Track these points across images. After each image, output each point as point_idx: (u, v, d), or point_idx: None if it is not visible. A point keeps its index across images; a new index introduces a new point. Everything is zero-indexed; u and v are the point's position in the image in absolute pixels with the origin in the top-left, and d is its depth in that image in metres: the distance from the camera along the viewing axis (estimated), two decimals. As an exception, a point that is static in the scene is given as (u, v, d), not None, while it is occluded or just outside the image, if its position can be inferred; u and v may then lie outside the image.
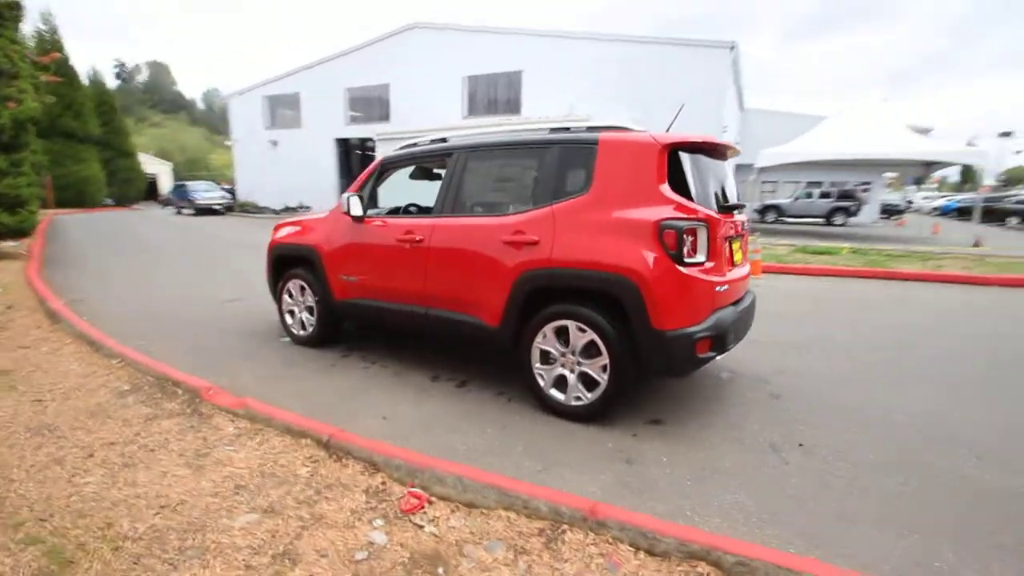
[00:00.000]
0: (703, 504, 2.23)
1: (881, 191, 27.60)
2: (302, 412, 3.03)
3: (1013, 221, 24.07)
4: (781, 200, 24.82)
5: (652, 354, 2.79)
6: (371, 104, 22.42)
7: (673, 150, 2.87)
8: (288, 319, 4.65)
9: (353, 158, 26.96)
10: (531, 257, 3.06)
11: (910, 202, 37.08)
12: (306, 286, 4.39)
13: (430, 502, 2.17)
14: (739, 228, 3.29)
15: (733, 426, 3.04)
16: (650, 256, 2.74)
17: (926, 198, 39.84)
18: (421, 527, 2.02)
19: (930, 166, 19.79)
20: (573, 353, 3.03)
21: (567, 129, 3.22)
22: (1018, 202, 25.67)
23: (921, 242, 14.78)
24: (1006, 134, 25.99)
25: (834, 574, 1.68)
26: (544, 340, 3.12)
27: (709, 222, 2.84)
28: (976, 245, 13.31)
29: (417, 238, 3.58)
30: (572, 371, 3.06)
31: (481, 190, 3.54)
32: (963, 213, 30.86)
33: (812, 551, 1.92)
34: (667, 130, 3.28)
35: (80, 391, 3.29)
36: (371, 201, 4.13)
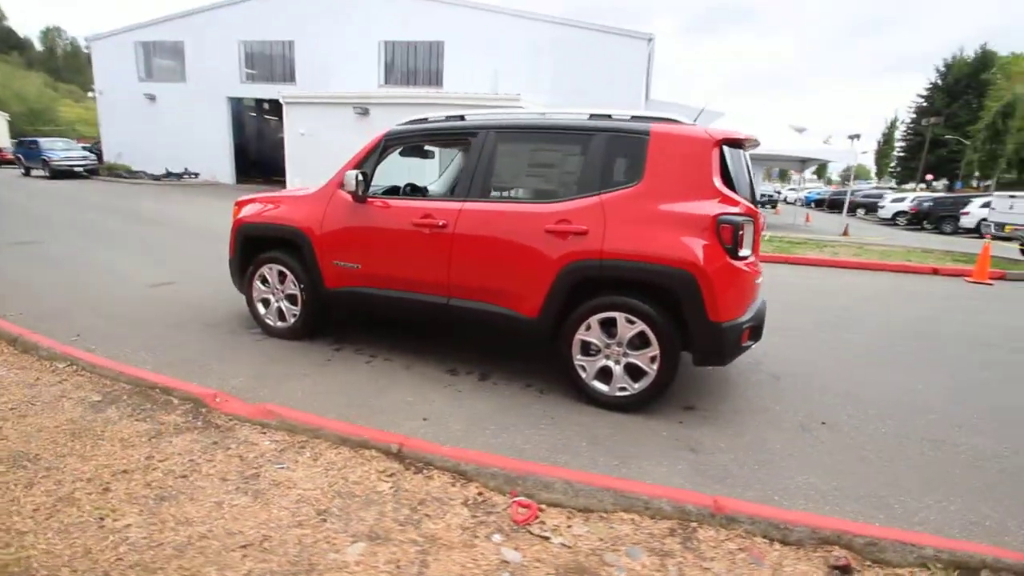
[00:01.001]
0: (781, 488, 2.37)
1: (760, 183, 30.88)
2: (326, 416, 2.74)
3: (860, 212, 28.25)
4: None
5: (705, 344, 2.88)
6: (272, 62, 20.31)
7: (722, 144, 2.93)
8: (260, 308, 4.12)
9: (247, 120, 24.40)
10: (579, 248, 2.98)
11: (779, 192, 41.98)
12: (287, 272, 3.91)
13: (541, 510, 2.06)
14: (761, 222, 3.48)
15: (759, 408, 3.25)
16: (708, 250, 2.80)
17: (791, 190, 45.21)
18: (546, 538, 1.92)
19: (805, 162, 22.47)
20: (619, 344, 3.03)
21: (608, 116, 3.15)
22: (863, 196, 30.19)
23: (802, 229, 16.79)
24: (854, 136, 30.27)
25: (947, 544, 1.88)
26: (587, 332, 3.08)
27: (753, 216, 2.96)
28: (844, 233, 15.49)
29: (440, 223, 3.32)
30: (617, 362, 3.06)
31: (515, 175, 3.36)
32: (819, 204, 35.72)
33: (894, 522, 2.13)
34: (694, 122, 3.33)
35: (35, 405, 2.65)
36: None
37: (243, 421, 2.59)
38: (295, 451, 2.37)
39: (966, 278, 8.32)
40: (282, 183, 20.53)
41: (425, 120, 3.64)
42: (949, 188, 42.68)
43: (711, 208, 2.83)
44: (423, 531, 1.91)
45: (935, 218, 21.88)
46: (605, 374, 3.10)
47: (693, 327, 2.85)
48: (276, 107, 20.69)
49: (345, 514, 1.97)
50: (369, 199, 3.58)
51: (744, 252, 2.88)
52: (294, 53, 19.84)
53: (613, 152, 3.04)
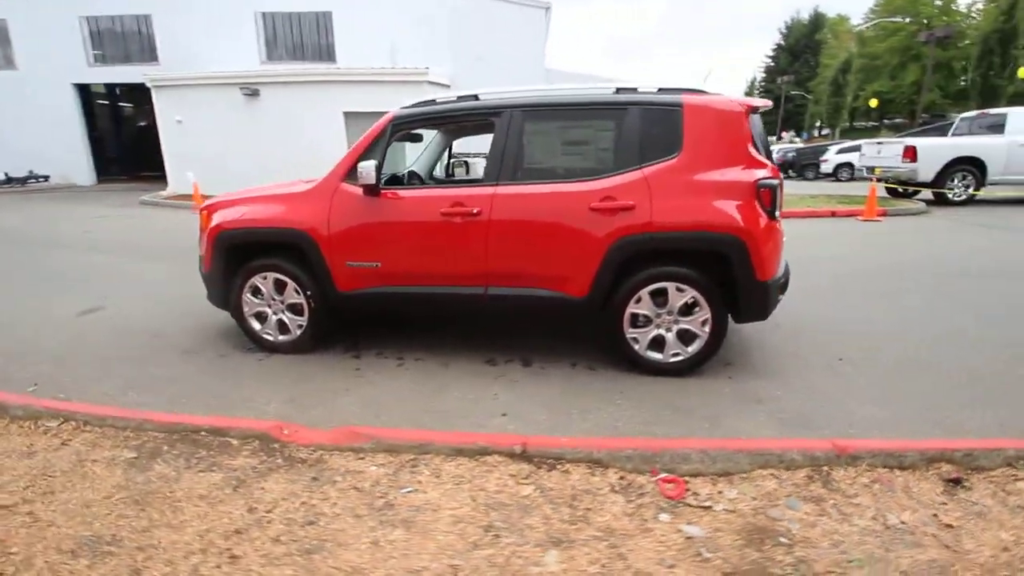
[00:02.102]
0: (854, 423, 2.64)
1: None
2: (398, 426, 2.57)
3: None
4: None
5: (752, 303, 3.07)
6: (126, 40, 17.53)
7: (750, 112, 3.08)
8: (255, 324, 3.67)
9: (100, 110, 21.08)
10: (628, 223, 3.01)
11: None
12: (287, 280, 3.51)
13: (686, 482, 2.12)
14: None
15: (782, 353, 3.56)
16: (752, 214, 2.96)
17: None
18: (708, 507, 1.99)
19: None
20: (670, 313, 3.14)
21: (634, 89, 3.16)
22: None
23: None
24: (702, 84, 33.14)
25: (1015, 444, 2.23)
26: (637, 304, 3.14)
27: (779, 178, 3.17)
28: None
29: (473, 211, 3.15)
30: (668, 330, 3.17)
31: (548, 154, 3.26)
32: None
33: (958, 434, 2.47)
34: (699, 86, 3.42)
35: (55, 478, 2.16)
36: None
37: (329, 450, 2.33)
38: (409, 471, 2.19)
39: (858, 217, 9.62)
40: (157, 179, 18.13)
41: (433, 102, 3.39)
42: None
43: (750, 174, 2.99)
44: (596, 526, 1.89)
45: (799, 167, 24.82)
46: (657, 343, 3.20)
47: (742, 287, 3.03)
48: (137, 93, 17.99)
49: (512, 525, 1.88)
50: (383, 191, 3.29)
51: (778, 213, 3.09)
52: (152, 28, 17.23)
53: (649, 126, 3.06)
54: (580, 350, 3.64)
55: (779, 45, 59.80)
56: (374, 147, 3.37)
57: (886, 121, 44.21)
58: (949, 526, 1.89)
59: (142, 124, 24.03)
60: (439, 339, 3.89)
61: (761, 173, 3.00)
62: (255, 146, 14.40)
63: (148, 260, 7.07)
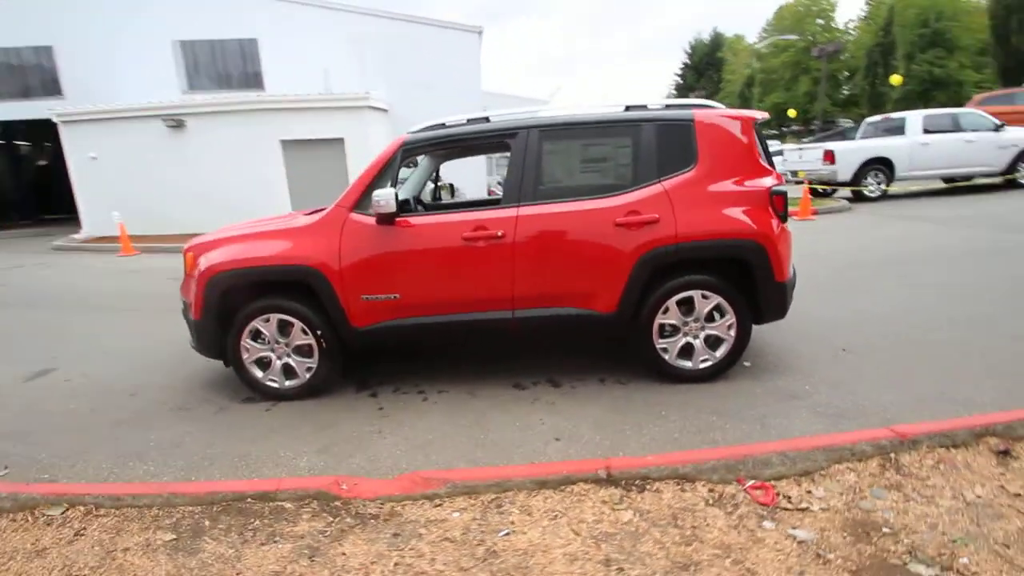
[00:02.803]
0: (884, 408, 2.80)
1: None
2: (453, 465, 2.45)
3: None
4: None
5: (772, 303, 3.20)
6: (25, 73, 15.95)
7: (755, 123, 3.24)
8: (256, 372, 3.37)
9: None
10: (653, 236, 3.06)
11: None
12: (294, 320, 3.25)
13: (774, 486, 2.14)
14: None
15: (787, 349, 3.72)
16: (768, 220, 3.10)
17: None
18: (805, 509, 2.01)
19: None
20: (696, 320, 3.20)
21: (644, 107, 3.24)
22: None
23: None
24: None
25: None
26: (665, 315, 3.19)
27: (783, 183, 3.35)
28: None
29: (497, 233, 3.08)
30: (695, 337, 3.23)
31: (568, 173, 3.25)
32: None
33: (978, 409, 2.67)
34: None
35: (88, 566, 1.83)
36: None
37: (398, 500, 2.15)
38: (496, 512, 2.06)
39: (794, 217, 10.38)
40: (66, 222, 16.53)
41: (443, 125, 3.30)
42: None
43: (762, 181, 3.14)
44: (711, 543, 1.85)
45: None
46: (685, 351, 3.25)
47: (762, 289, 3.15)
48: (37, 129, 16.36)
49: (630, 555, 1.80)
50: (397, 220, 3.15)
51: (786, 216, 3.26)
52: (55, 60, 15.79)
53: (664, 141, 3.15)
54: (603, 365, 3.63)
55: (685, 64, 64.29)
56: (384, 174, 3.23)
57: (784, 129, 48.46)
58: (1017, 495, 2.02)
59: (42, 163, 21.89)
60: (454, 368, 3.75)
61: (770, 180, 3.15)
62: (186, 180, 13.48)
63: (89, 311, 6.35)
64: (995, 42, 19.69)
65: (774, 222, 3.12)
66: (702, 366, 3.25)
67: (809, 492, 2.10)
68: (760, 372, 3.39)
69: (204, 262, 3.29)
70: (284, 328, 3.31)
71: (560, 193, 3.18)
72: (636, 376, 3.42)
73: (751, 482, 2.15)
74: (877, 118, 13.19)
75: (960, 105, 17.10)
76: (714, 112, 3.20)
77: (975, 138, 11.60)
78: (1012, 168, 11.74)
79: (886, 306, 4.53)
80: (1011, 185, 11.78)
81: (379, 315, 3.24)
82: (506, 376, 3.56)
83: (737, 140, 3.15)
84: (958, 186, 12.66)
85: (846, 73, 43.69)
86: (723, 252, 3.11)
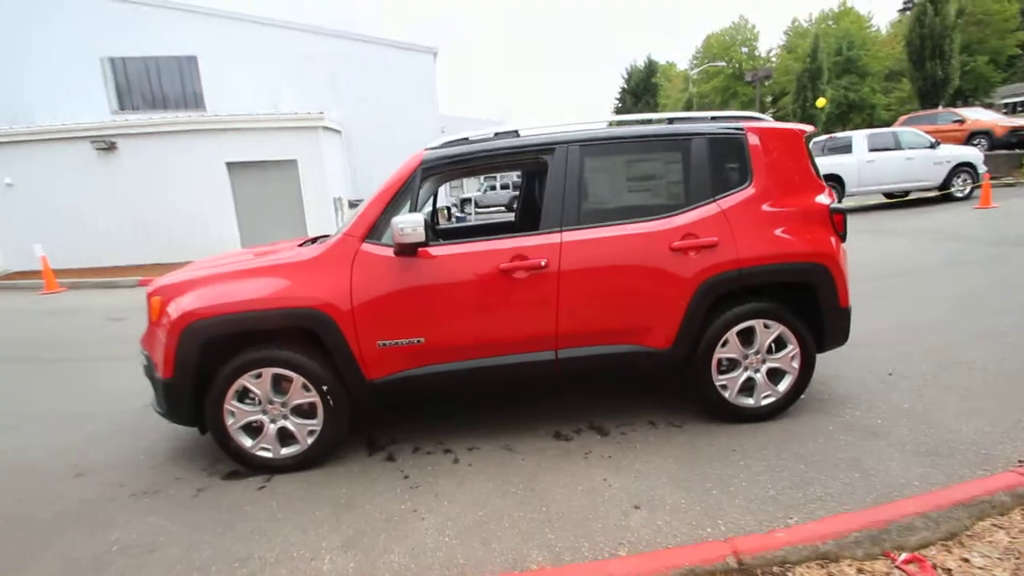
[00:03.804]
0: (974, 440, 2.57)
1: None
2: (524, 551, 1.97)
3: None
4: (473, 193, 27.84)
5: (837, 330, 2.94)
6: (-80, 92, 14.11)
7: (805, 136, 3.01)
8: (244, 440, 2.75)
9: None
10: (714, 261, 2.73)
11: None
12: (294, 375, 2.68)
13: (926, 559, 1.80)
14: None
15: (829, 375, 3.48)
16: (830, 240, 2.86)
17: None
18: (976, 584, 1.68)
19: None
20: (758, 352, 2.90)
21: (688, 119, 2.95)
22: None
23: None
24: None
25: None
26: (724, 348, 2.86)
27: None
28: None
29: (540, 263, 2.67)
30: (756, 371, 2.92)
31: (613, 192, 2.88)
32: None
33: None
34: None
35: None
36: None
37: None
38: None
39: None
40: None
41: (467, 140, 2.87)
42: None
43: (822, 199, 2.90)
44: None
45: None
46: (746, 387, 2.93)
47: (827, 315, 2.88)
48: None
49: None
50: (422, 250, 2.67)
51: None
52: (-43, 77, 14.11)
53: (716, 156, 2.86)
54: (645, 404, 3.25)
55: (623, 88, 67.00)
56: (400, 197, 2.75)
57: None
58: None
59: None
60: (475, 416, 3.25)
61: (826, 197, 2.92)
62: (119, 207, 12.27)
63: (8, 364, 5.35)
64: (911, 67, 21.46)
65: (836, 242, 2.88)
66: (764, 403, 2.94)
67: (966, 560, 1.78)
68: (817, 404, 3.11)
69: (176, 309, 2.66)
70: (280, 385, 2.73)
71: (606, 215, 2.81)
72: (687, 416, 3.07)
73: (902, 556, 1.81)
74: (822, 138, 13.87)
75: (873, 126, 18.50)
76: (764, 125, 2.94)
77: (914, 155, 12.36)
78: (947, 183, 12.57)
79: (898, 321, 4.42)
80: (946, 199, 12.59)
81: (400, 363, 2.73)
82: (540, 423, 3.11)
83: (791, 154, 2.90)
84: (898, 201, 13.42)
85: (770, 97, 46.92)
86: (787, 277, 2.83)
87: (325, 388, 2.70)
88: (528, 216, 4.16)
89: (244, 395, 2.73)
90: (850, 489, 2.28)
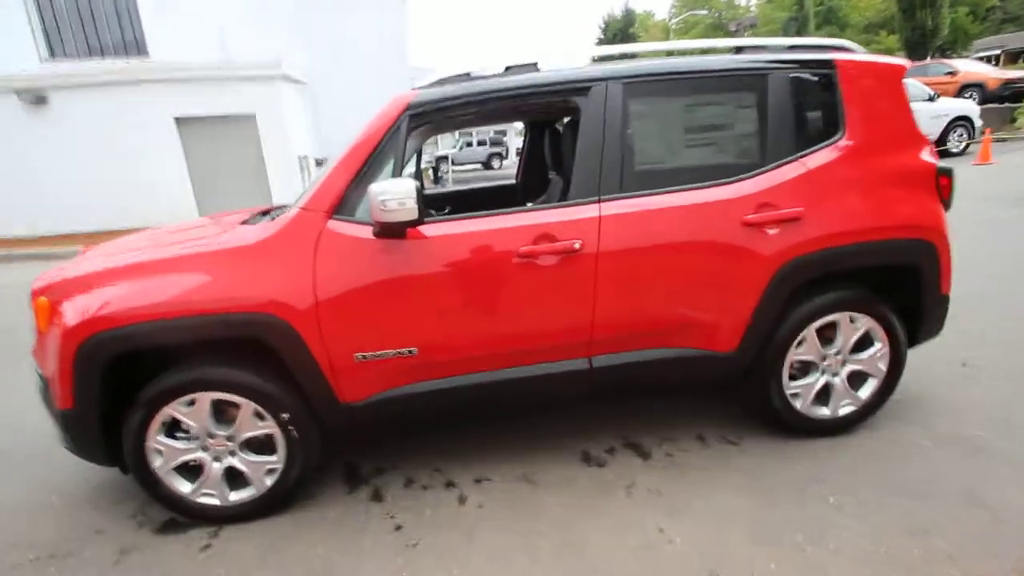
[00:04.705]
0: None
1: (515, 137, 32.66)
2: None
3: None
4: (449, 151, 26.49)
5: (933, 320, 2.36)
6: None
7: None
8: (180, 485, 2.07)
9: None
10: (798, 238, 2.09)
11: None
12: (244, 401, 1.98)
13: None
14: None
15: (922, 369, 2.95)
16: (937, 209, 2.24)
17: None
18: None
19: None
20: (838, 353, 2.31)
21: (760, 47, 2.23)
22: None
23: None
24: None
25: None
26: (799, 348, 2.26)
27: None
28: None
29: (573, 245, 1.98)
30: (835, 374, 2.34)
31: (667, 148, 2.16)
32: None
33: None
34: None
35: None
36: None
37: None
38: None
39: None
40: None
41: (468, 76, 2.09)
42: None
43: (926, 156, 2.25)
44: None
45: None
46: (821, 393, 2.36)
47: (927, 304, 2.30)
48: None
49: None
50: (411, 229, 1.94)
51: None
52: None
53: (800, 97, 2.16)
54: (687, 412, 2.67)
55: (599, 39, 64.54)
56: (380, 155, 1.99)
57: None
58: None
59: None
60: (477, 435, 2.62)
61: (929, 155, 2.28)
62: (52, 168, 10.94)
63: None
64: (901, 16, 20.74)
65: (942, 213, 2.26)
66: (842, 413, 2.38)
67: None
68: (893, 406, 2.55)
69: (72, 314, 1.90)
70: (226, 413, 2.03)
71: (658, 180, 2.11)
72: (741, 427, 2.51)
73: None
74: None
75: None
76: (857, 57, 2.25)
77: (912, 108, 11.86)
78: (944, 138, 12.14)
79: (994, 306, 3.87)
80: (942, 154, 12.20)
81: (385, 381, 2.05)
82: (562, 440, 2.51)
83: (892, 97, 2.23)
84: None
85: (753, 47, 45.88)
86: (887, 257, 2.21)
87: (285, 416, 2.01)
88: (534, 179, 3.43)
89: (174, 428, 2.02)
90: (983, 539, 1.75)
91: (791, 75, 2.14)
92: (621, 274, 2.05)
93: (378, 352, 1.99)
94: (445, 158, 25.27)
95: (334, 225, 1.95)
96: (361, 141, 1.99)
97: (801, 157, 2.13)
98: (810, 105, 2.20)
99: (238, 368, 1.97)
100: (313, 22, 14.72)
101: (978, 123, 12.19)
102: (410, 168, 3.44)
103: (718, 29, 46.99)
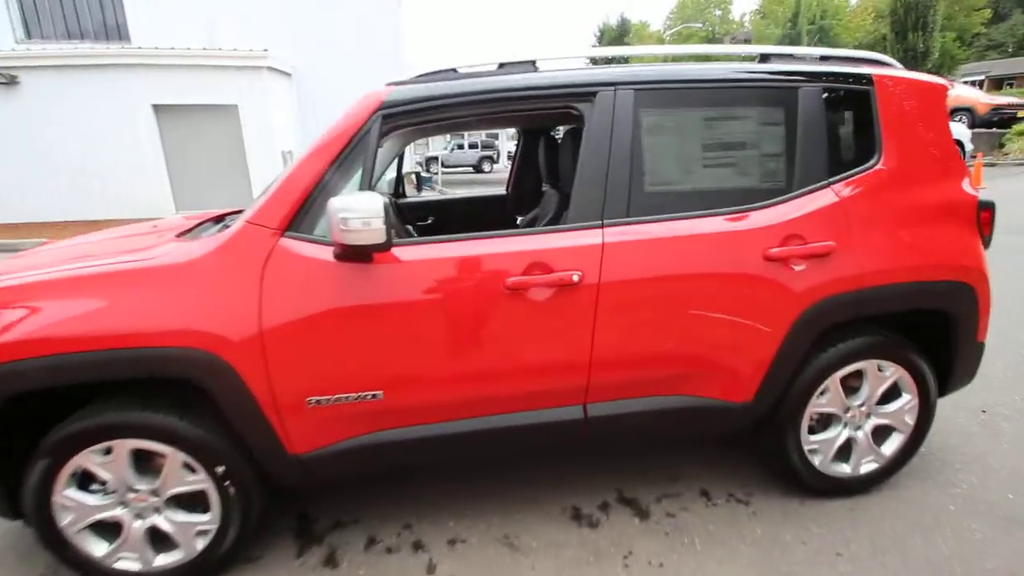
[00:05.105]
0: None
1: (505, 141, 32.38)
2: None
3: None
4: (440, 152, 26.11)
5: (966, 370, 2.11)
6: None
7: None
8: (95, 547, 1.72)
9: None
10: (827, 276, 1.82)
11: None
12: (170, 450, 1.64)
13: None
14: None
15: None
16: (977, 248, 2.00)
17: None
18: None
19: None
20: (863, 404, 2.05)
21: (788, 56, 1.96)
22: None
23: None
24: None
25: None
26: (822, 399, 2.00)
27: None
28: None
29: (571, 277, 1.68)
30: (859, 428, 2.08)
31: (683, 167, 1.87)
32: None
33: None
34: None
35: None
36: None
37: None
38: None
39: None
40: None
41: (453, 72, 1.79)
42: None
43: (967, 187, 2.01)
44: None
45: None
46: (843, 450, 2.09)
47: (961, 352, 2.05)
48: None
49: None
50: (377, 254, 1.62)
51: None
52: None
53: (832, 116, 1.90)
54: (686, 461, 2.39)
55: (594, 47, 64.82)
56: (347, 160, 1.67)
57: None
58: None
59: None
60: (451, 486, 2.29)
61: (970, 186, 2.03)
62: (21, 153, 10.40)
63: None
64: (893, 37, 20.93)
65: (982, 250, 2.01)
66: (864, 470, 2.11)
67: None
68: (912, 462, 2.30)
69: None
70: (146, 464, 1.69)
71: (670, 204, 1.82)
72: (749, 481, 2.24)
73: None
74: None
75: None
76: (896, 73, 1.99)
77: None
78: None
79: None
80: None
81: (343, 428, 1.73)
82: (548, 491, 2.21)
83: (932, 119, 1.98)
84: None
85: (745, 61, 46.40)
86: (922, 301, 1.95)
87: (221, 470, 1.68)
88: (526, 191, 3.14)
89: (86, 481, 1.68)
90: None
91: (824, 90, 1.88)
92: (625, 312, 1.76)
93: (336, 396, 1.67)
94: (435, 159, 24.87)
95: (288, 243, 1.63)
96: (323, 144, 1.67)
97: (832, 183, 1.86)
98: (843, 125, 1.94)
99: (164, 411, 1.63)
100: (303, 14, 14.29)
101: (969, 147, 12.21)
102: (391, 174, 3.13)
103: (712, 43, 47.45)
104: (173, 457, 1.66)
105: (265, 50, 11.27)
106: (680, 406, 1.90)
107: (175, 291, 1.56)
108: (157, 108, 10.96)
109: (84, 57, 10.89)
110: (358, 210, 1.43)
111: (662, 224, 1.77)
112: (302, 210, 1.63)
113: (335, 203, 1.45)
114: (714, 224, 1.79)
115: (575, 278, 1.68)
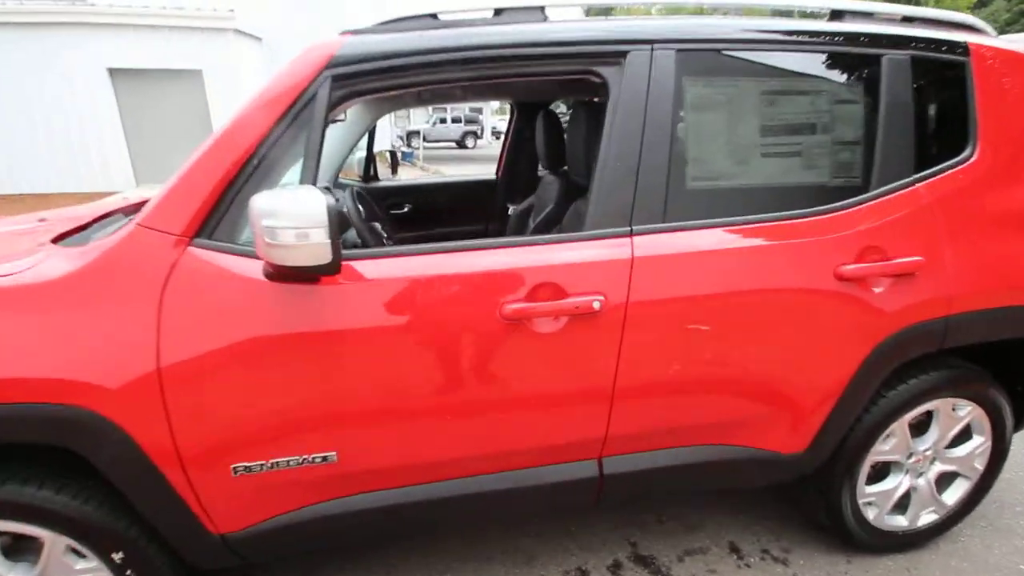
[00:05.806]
0: None
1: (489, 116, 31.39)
2: None
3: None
4: (421, 126, 25.15)
5: (1048, 411, 1.77)
6: None
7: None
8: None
9: None
10: (913, 299, 1.43)
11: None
12: (47, 533, 1.20)
13: None
14: None
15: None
16: (1085, 262, 1.62)
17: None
18: None
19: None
20: (928, 449, 1.70)
21: (867, 15, 1.52)
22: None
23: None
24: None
25: None
26: (887, 444, 1.64)
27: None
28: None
29: (591, 304, 1.26)
30: (921, 475, 1.73)
31: (735, 157, 1.44)
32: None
33: None
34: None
35: None
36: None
37: None
38: None
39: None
40: None
41: (433, 17, 1.32)
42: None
43: (1073, 188, 1.62)
44: None
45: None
46: (902, 500, 1.75)
47: (1044, 392, 1.70)
48: None
49: None
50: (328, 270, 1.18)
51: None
52: None
53: (921, 95, 1.48)
54: (708, 506, 2.03)
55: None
56: (285, 135, 1.20)
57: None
58: None
59: None
60: (423, 547, 1.91)
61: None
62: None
63: None
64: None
65: (1084, 266, 1.64)
66: (922, 523, 1.78)
67: None
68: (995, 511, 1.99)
69: None
70: (19, 549, 1.25)
71: (717, 204, 1.39)
72: (783, 531, 1.89)
73: None
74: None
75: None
76: (997, 43, 1.58)
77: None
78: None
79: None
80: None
81: (285, 498, 1.30)
82: (550, 545, 1.83)
83: (1037, 102, 1.58)
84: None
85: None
86: (1017, 329, 1.58)
87: (119, 556, 1.25)
88: (520, 177, 2.69)
89: (-68, 572, 1.24)
90: None
91: (913, 60, 1.45)
92: (658, 346, 1.35)
93: (272, 461, 1.24)
94: (417, 133, 23.88)
95: (198, 254, 1.17)
96: (249, 115, 1.19)
97: (919, 181, 1.46)
98: (935, 106, 1.52)
99: (34, 483, 1.19)
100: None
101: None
102: (360, 152, 2.65)
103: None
104: (52, 543, 1.22)
105: (231, 10, 10.38)
106: (716, 458, 1.51)
107: (28, 323, 1.10)
108: (113, 72, 10.08)
109: (31, 14, 9.90)
110: (291, 216, 0.97)
111: (708, 232, 1.35)
112: (217, 209, 1.17)
113: (259, 203, 1.00)
114: (772, 232, 1.38)
115: (596, 305, 1.26)
